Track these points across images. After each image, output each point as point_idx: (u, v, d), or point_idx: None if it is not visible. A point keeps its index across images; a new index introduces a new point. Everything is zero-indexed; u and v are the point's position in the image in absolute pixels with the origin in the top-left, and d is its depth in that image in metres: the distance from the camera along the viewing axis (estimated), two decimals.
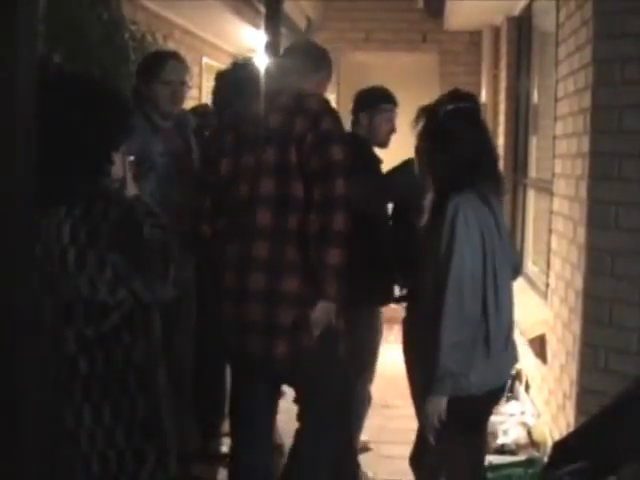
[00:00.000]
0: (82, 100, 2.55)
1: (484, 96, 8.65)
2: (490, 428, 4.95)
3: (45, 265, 2.44)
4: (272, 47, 6.06)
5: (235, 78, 4.53)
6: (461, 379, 3.23)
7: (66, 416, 2.51)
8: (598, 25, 3.97)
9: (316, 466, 3.86)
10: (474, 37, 9.03)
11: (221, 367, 4.74)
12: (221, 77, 4.76)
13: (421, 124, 3.49)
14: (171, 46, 6.34)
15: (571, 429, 4.03)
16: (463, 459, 3.47)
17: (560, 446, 2.79)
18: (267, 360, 3.52)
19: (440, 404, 3.22)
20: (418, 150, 3.55)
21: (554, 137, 5.01)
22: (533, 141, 7.31)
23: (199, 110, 5.07)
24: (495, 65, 8.56)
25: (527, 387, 5.71)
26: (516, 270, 4.04)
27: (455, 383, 3.21)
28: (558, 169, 4.83)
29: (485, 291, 3.23)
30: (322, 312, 3.44)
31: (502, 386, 3.53)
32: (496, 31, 8.57)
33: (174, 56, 4.36)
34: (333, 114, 3.63)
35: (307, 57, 4.03)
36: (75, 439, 2.52)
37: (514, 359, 3.51)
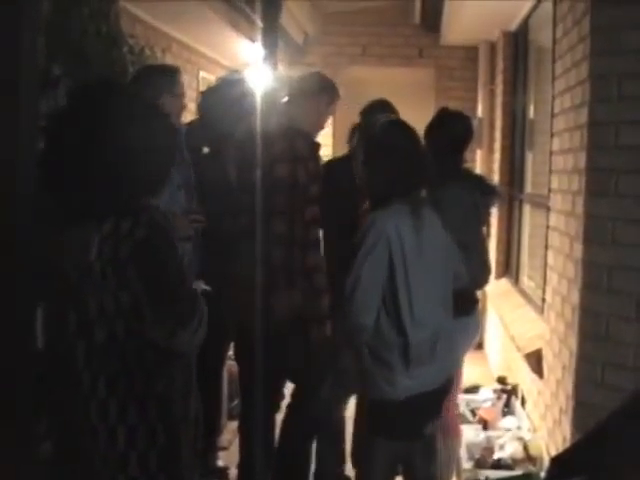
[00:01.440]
0: (153, 122, 2.55)
1: (480, 111, 8.67)
2: (486, 443, 4.97)
3: (70, 277, 2.43)
4: (269, 61, 6.10)
5: (223, 96, 4.54)
6: (382, 383, 3.43)
7: (84, 434, 2.48)
8: (595, 41, 3.98)
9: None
10: (470, 52, 9.05)
11: (218, 382, 4.74)
12: (209, 94, 4.75)
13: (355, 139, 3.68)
14: (169, 60, 6.36)
15: (568, 444, 4.03)
16: (378, 466, 3.62)
17: (557, 461, 2.79)
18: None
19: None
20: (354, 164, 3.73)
21: (551, 153, 5.02)
22: (529, 156, 7.32)
23: (196, 124, 5.07)
24: (491, 80, 8.59)
25: (523, 402, 5.71)
26: (476, 282, 4.17)
27: (371, 384, 3.47)
28: (555, 185, 4.84)
29: (398, 305, 3.40)
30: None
31: (425, 395, 3.53)
32: (492, 46, 8.60)
33: (179, 70, 4.40)
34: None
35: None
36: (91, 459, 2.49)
37: (443, 370, 3.60)
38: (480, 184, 4.56)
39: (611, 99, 3.89)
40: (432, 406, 3.69)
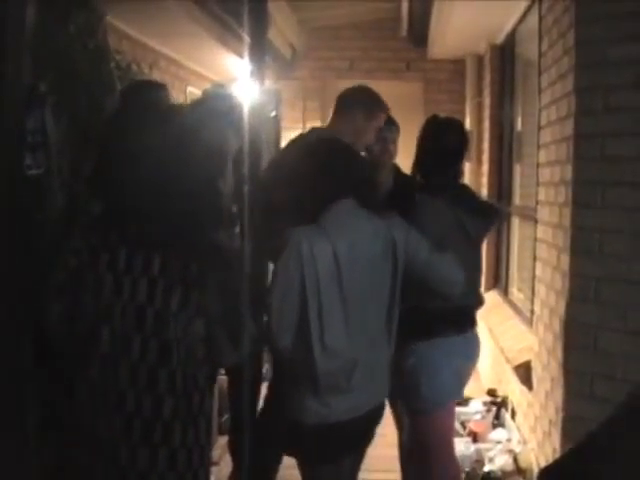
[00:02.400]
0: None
1: (468, 124, 8.69)
2: (476, 455, 4.97)
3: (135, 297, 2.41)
4: (257, 76, 6.09)
5: (207, 110, 4.52)
6: (294, 404, 3.34)
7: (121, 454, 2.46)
8: (580, 54, 4.01)
9: None
10: (458, 65, 9.09)
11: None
12: (196, 107, 4.73)
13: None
14: (156, 75, 6.35)
15: (557, 456, 4.03)
16: None
17: (546, 473, 2.78)
18: None
19: None
20: None
21: (538, 165, 5.04)
22: (517, 169, 7.34)
23: None
24: (479, 93, 8.62)
25: (514, 414, 5.71)
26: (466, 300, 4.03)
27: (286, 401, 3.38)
28: (542, 197, 4.86)
29: (308, 330, 3.23)
30: None
31: (341, 424, 3.38)
32: (479, 59, 8.63)
33: (156, 86, 4.36)
34: None
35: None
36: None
37: (363, 400, 3.42)
38: (470, 203, 4.22)
39: (596, 111, 3.91)
40: (350, 435, 3.48)
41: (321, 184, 3.41)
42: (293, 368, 3.34)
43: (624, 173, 3.81)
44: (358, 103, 4.15)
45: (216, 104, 4.58)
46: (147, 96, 4.15)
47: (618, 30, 3.82)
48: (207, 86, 4.99)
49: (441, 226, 3.88)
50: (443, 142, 4.17)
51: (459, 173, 4.27)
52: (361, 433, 3.55)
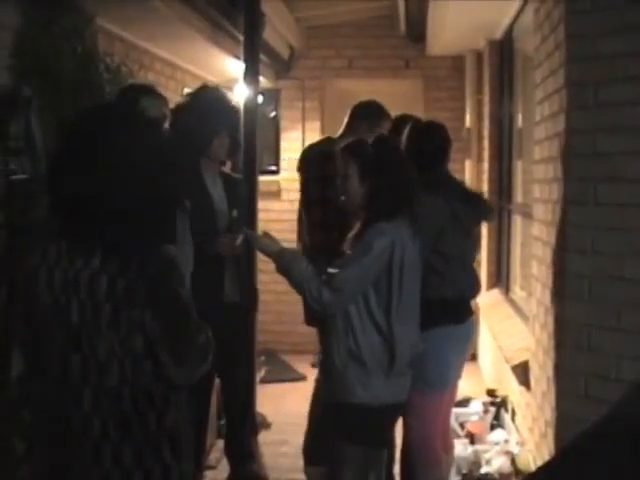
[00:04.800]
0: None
1: (468, 121, 8.63)
2: (474, 457, 4.92)
3: (70, 316, 2.32)
4: (252, 76, 6.06)
5: (196, 110, 4.47)
6: (356, 386, 3.56)
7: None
8: (570, 48, 3.95)
9: None
10: (457, 62, 9.02)
11: (207, 400, 4.70)
12: (181, 108, 4.66)
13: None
14: (151, 77, 6.33)
15: (551, 458, 3.97)
16: (349, 473, 3.68)
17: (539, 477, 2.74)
18: None
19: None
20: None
21: (533, 161, 4.99)
22: (518, 166, 7.29)
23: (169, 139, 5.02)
24: (479, 90, 8.55)
25: (513, 414, 5.65)
26: (462, 293, 4.31)
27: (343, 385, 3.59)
28: (537, 194, 4.80)
29: (390, 316, 3.57)
30: None
31: (397, 404, 3.74)
32: (478, 55, 8.57)
33: (148, 90, 4.31)
34: None
35: None
36: None
37: (409, 382, 3.78)
38: (462, 194, 4.47)
39: (588, 106, 3.85)
40: (397, 416, 3.90)
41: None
42: (360, 352, 3.56)
43: (616, 169, 3.75)
44: (363, 117, 4.73)
45: (203, 104, 4.54)
46: (133, 100, 4.12)
47: (608, 23, 3.77)
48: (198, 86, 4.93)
49: (439, 220, 4.15)
50: (423, 144, 4.42)
51: (447, 169, 4.55)
52: (397, 414, 3.92)
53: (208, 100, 4.55)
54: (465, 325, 4.39)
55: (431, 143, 4.41)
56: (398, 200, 3.66)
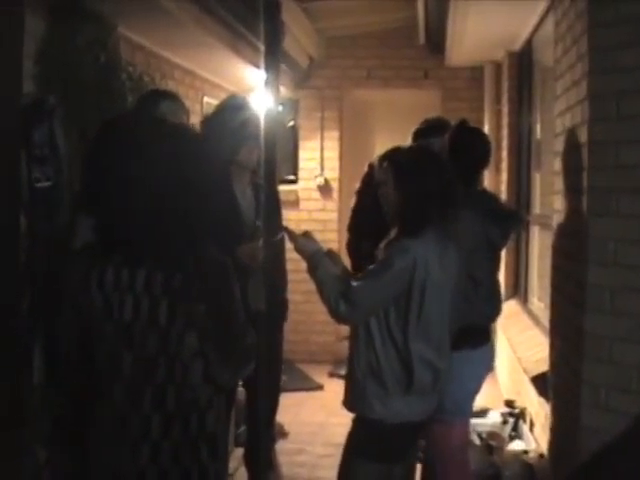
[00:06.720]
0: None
1: (487, 132, 8.61)
2: (492, 468, 4.90)
3: (122, 313, 2.36)
4: (272, 85, 6.06)
5: (224, 120, 4.50)
6: (374, 401, 3.50)
7: (129, 476, 2.39)
8: (593, 60, 3.94)
9: None
10: (476, 73, 9.02)
11: (228, 408, 4.70)
12: (209, 119, 4.70)
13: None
14: (171, 85, 6.35)
15: (572, 469, 3.96)
16: None
17: None
18: None
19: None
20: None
21: (554, 173, 4.98)
22: (537, 177, 7.28)
23: None
24: (497, 101, 8.57)
25: (532, 425, 5.64)
26: (484, 316, 4.27)
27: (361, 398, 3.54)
28: (557, 205, 4.79)
29: (407, 339, 3.48)
30: None
31: (419, 422, 3.64)
32: (497, 66, 8.58)
33: (168, 96, 4.34)
34: None
35: None
36: None
37: (435, 401, 3.70)
38: (496, 213, 4.35)
39: (610, 118, 3.84)
40: (416, 435, 3.79)
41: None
42: (378, 370, 3.50)
43: (638, 181, 3.74)
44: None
45: (231, 115, 4.57)
46: (155, 106, 4.14)
47: (632, 36, 3.76)
48: (223, 97, 4.97)
49: (469, 240, 3.95)
50: (472, 150, 4.29)
51: (480, 181, 4.41)
52: (416, 433, 3.81)
53: (235, 108, 4.58)
54: (483, 349, 4.34)
55: (475, 152, 4.31)
56: (429, 213, 3.52)
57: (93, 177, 2.42)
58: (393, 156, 3.70)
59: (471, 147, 4.31)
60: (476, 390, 4.35)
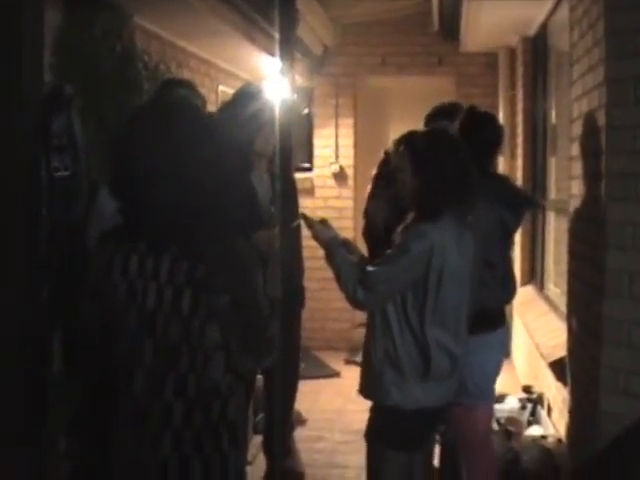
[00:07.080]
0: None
1: (501, 117, 8.60)
2: (511, 453, 4.90)
3: (145, 302, 2.37)
4: (286, 73, 6.07)
5: (240, 109, 4.51)
6: (392, 388, 3.49)
7: (151, 465, 2.40)
8: (610, 44, 3.93)
9: None
10: (490, 59, 9.00)
11: (248, 396, 4.72)
12: (226, 107, 4.71)
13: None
14: (187, 74, 6.36)
15: (592, 453, 3.97)
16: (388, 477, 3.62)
17: (580, 474, 2.75)
18: None
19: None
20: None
21: (570, 158, 4.97)
22: (552, 162, 7.26)
23: None
24: (512, 86, 8.53)
25: (549, 410, 5.64)
26: (498, 300, 4.26)
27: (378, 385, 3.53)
28: (575, 190, 4.79)
29: (423, 324, 3.47)
30: None
31: (437, 408, 3.63)
32: (512, 52, 8.55)
33: (184, 85, 4.36)
34: None
35: None
36: None
37: (455, 387, 3.70)
38: (510, 196, 4.36)
39: (628, 102, 3.83)
40: (435, 421, 3.80)
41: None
42: (395, 356, 3.50)
43: None
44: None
45: (247, 104, 4.58)
46: (171, 94, 4.16)
47: None
48: (239, 85, 4.98)
49: (484, 224, 3.92)
50: (482, 135, 4.25)
51: (494, 166, 4.40)
52: (437, 418, 3.81)
53: (251, 97, 4.59)
54: (500, 332, 4.36)
55: (485, 137, 4.29)
56: (447, 197, 3.50)
57: (122, 163, 2.43)
58: (410, 141, 3.68)
59: (481, 131, 4.29)
60: (496, 372, 4.36)
